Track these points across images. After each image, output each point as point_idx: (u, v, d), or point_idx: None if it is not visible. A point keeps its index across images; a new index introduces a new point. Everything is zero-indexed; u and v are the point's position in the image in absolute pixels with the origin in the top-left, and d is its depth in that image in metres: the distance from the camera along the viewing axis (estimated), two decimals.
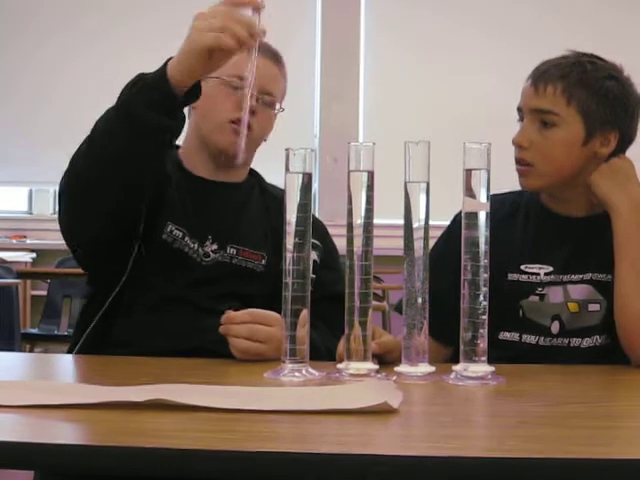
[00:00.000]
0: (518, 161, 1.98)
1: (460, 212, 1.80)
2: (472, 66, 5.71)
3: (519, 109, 2.01)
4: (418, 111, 5.73)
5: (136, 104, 1.75)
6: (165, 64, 1.75)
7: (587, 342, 1.96)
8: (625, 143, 2.00)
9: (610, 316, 1.92)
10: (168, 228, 1.98)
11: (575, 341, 1.96)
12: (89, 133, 1.84)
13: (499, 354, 1.79)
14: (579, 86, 1.95)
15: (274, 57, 2.08)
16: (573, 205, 2.01)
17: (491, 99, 5.51)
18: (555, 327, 1.96)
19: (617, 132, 1.98)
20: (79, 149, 1.85)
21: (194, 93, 1.78)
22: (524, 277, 1.98)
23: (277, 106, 2.08)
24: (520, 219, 2.04)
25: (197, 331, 1.93)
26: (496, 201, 1.86)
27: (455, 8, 5.82)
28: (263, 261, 2.05)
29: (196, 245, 2.00)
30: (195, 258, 2.00)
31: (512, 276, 1.98)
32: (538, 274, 1.98)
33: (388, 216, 3.47)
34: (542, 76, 1.96)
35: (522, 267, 1.98)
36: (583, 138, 1.96)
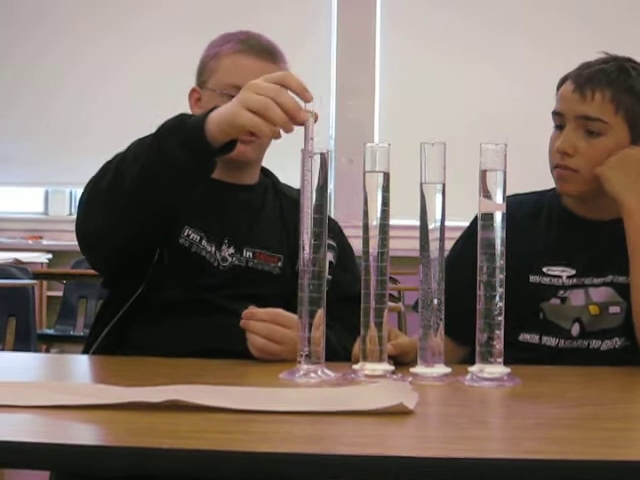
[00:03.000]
0: (560, 167, 1.96)
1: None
2: (489, 64, 5.69)
3: (557, 113, 1.98)
4: (435, 111, 5.72)
5: (171, 145, 1.74)
6: (207, 113, 1.73)
7: (607, 344, 1.95)
8: None
9: (630, 318, 1.91)
10: (185, 232, 1.98)
11: (595, 343, 1.95)
12: (119, 157, 1.83)
13: (519, 356, 1.78)
14: (626, 93, 1.93)
15: (270, 55, 2.05)
16: (599, 209, 2.00)
17: (508, 98, 5.49)
18: (575, 329, 1.96)
19: None
20: (106, 170, 1.84)
21: (230, 146, 1.77)
22: (546, 280, 1.97)
23: None
24: (542, 221, 2.03)
25: (214, 331, 1.93)
26: (516, 202, 1.85)
27: (472, 5, 5.79)
28: (279, 263, 2.04)
29: (213, 249, 2.00)
30: (212, 262, 2.00)
31: (534, 278, 1.97)
32: (560, 277, 1.97)
33: (404, 217, 3.46)
34: (589, 82, 1.93)
35: (544, 270, 1.97)
36: (628, 145, 1.94)
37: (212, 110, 1.72)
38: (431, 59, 5.82)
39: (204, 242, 1.99)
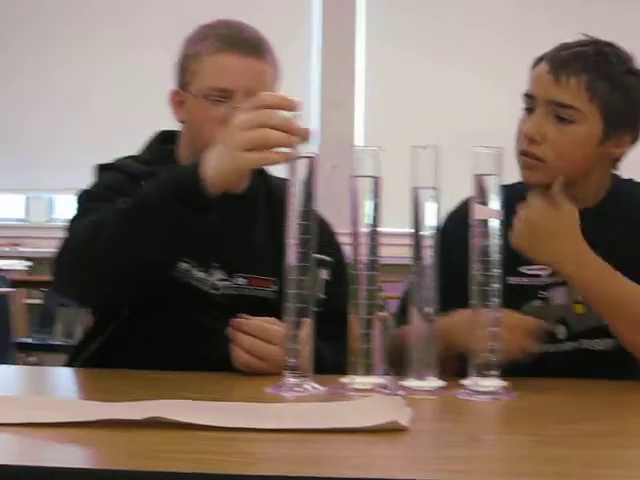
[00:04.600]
0: (526, 154, 1.85)
1: (450, 212, 1.72)
2: (474, 71, 5.63)
3: (528, 95, 1.87)
4: (417, 116, 5.67)
5: (174, 208, 1.63)
6: (198, 163, 1.63)
7: (598, 345, 1.86)
8: (633, 144, 1.88)
9: None
10: None
11: (586, 343, 1.86)
12: (94, 228, 1.70)
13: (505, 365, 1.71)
14: (603, 81, 1.81)
15: (254, 50, 1.91)
16: (572, 200, 1.86)
17: (494, 104, 5.43)
18: (561, 331, 1.87)
19: (631, 133, 1.86)
20: (87, 235, 1.70)
21: None
22: (525, 280, 1.87)
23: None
24: (514, 217, 1.93)
25: (202, 340, 1.85)
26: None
27: (455, 9, 5.74)
28: (274, 287, 1.92)
29: (204, 275, 1.89)
30: (205, 289, 1.89)
31: (512, 280, 1.86)
32: (539, 276, 1.88)
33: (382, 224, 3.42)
34: (564, 65, 1.82)
35: (521, 269, 1.88)
36: (600, 138, 1.83)
37: (197, 162, 1.63)
38: (415, 66, 5.77)
39: (194, 270, 1.88)
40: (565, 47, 1.86)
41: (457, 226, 1.75)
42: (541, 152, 1.83)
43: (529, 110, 1.87)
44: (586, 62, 1.82)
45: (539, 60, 1.88)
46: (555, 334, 1.87)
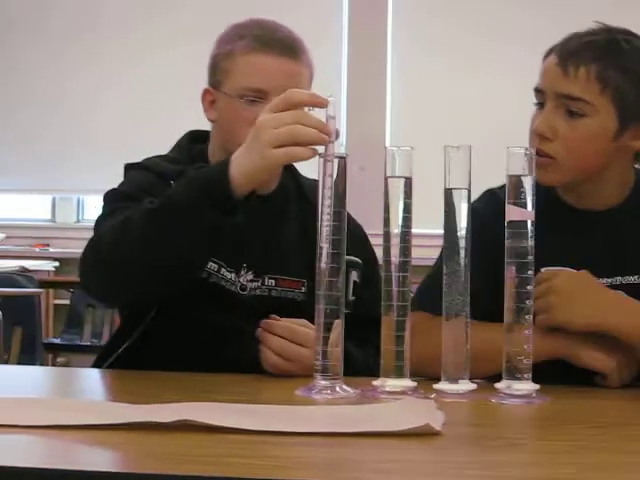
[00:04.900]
0: (537, 152, 1.70)
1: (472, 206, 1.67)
2: (500, 75, 5.61)
3: (538, 90, 1.78)
4: (444, 117, 5.64)
5: (207, 212, 1.60)
6: (226, 163, 1.59)
7: None
8: None
9: None
10: None
11: None
12: (121, 227, 1.67)
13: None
14: (615, 71, 1.71)
15: (288, 50, 1.87)
16: (589, 198, 1.80)
17: (519, 104, 5.41)
18: None
19: None
20: (114, 235, 1.67)
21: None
22: None
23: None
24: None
25: (230, 342, 1.83)
26: (497, 197, 1.69)
27: (484, 13, 5.72)
28: (303, 288, 1.89)
29: (233, 276, 1.86)
30: (233, 290, 1.86)
31: None
32: None
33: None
34: (573, 56, 1.72)
35: (542, 271, 1.75)
36: (615, 131, 1.73)
37: (226, 161, 1.60)
38: (443, 67, 5.74)
39: (223, 270, 1.86)
40: (575, 37, 1.77)
41: (481, 220, 1.69)
42: (552, 149, 1.74)
43: (540, 105, 1.79)
44: (596, 51, 1.73)
45: (549, 52, 1.80)
46: None
